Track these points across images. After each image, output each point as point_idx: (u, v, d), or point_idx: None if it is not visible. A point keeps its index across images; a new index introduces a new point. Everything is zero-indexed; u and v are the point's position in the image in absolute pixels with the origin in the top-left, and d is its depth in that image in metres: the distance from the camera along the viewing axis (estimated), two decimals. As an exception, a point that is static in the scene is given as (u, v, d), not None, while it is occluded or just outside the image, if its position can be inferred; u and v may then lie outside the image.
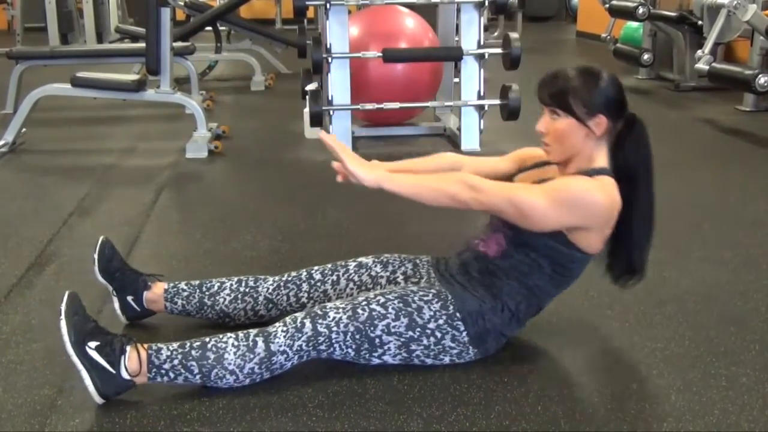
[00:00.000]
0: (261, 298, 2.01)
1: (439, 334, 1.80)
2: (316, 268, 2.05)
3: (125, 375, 1.68)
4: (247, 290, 2.01)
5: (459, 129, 4.12)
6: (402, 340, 1.79)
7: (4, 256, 2.60)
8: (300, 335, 1.74)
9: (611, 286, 2.32)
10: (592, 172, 1.76)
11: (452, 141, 4.24)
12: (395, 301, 1.79)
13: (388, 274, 2.01)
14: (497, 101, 4.01)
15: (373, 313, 1.77)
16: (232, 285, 2.02)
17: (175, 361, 1.70)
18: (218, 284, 2.03)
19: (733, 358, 1.90)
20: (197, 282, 2.05)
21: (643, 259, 1.86)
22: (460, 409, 1.69)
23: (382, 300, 1.79)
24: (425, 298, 1.81)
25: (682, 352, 1.93)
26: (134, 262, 2.48)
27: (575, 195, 1.71)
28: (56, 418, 1.67)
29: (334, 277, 2.01)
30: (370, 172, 1.76)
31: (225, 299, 2.01)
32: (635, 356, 1.91)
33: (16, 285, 2.36)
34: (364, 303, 1.79)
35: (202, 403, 1.71)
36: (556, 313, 2.14)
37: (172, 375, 1.70)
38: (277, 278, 2.03)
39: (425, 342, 1.80)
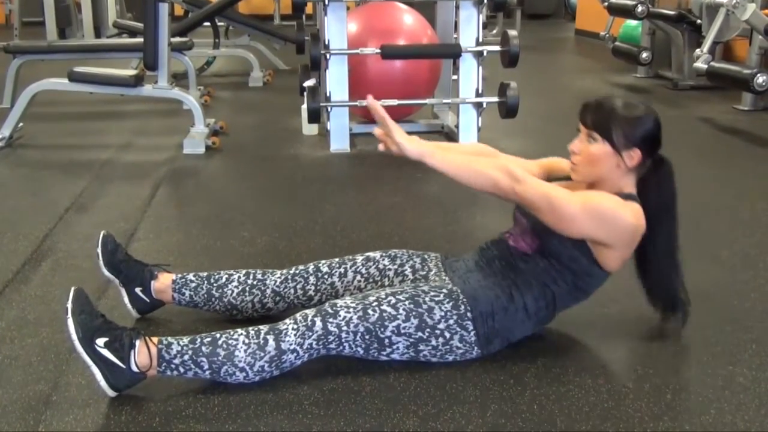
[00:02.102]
0: (269, 291, 2.01)
1: (448, 335, 1.80)
2: (323, 261, 2.06)
3: (135, 369, 1.68)
4: (255, 283, 2.02)
5: (457, 126, 4.11)
6: (411, 340, 1.80)
7: (0, 251, 2.59)
8: (311, 333, 1.74)
9: (606, 285, 2.32)
10: (622, 196, 1.81)
11: (450, 138, 4.24)
12: (406, 302, 1.79)
13: (396, 267, 2.02)
14: (495, 99, 4.01)
15: (384, 314, 1.77)
16: (240, 277, 2.03)
17: (185, 357, 1.70)
18: (226, 276, 2.04)
19: (729, 358, 1.90)
20: (205, 273, 2.06)
21: (675, 297, 1.96)
22: (456, 407, 1.69)
23: (393, 301, 1.79)
24: (436, 299, 1.81)
25: (678, 351, 1.93)
26: (130, 258, 2.48)
27: (608, 210, 1.77)
28: (51, 413, 1.67)
29: (342, 270, 2.02)
30: (415, 144, 1.76)
31: (233, 291, 2.01)
32: (631, 355, 1.91)
33: (11, 280, 2.36)
34: (375, 304, 1.78)
35: (197, 400, 1.70)
36: (552, 312, 2.14)
37: (182, 370, 1.70)
38: (284, 271, 2.04)
39: (434, 342, 1.81)
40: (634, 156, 1.82)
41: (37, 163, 3.83)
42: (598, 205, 1.77)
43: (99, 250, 2.04)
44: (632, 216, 1.79)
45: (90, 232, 2.74)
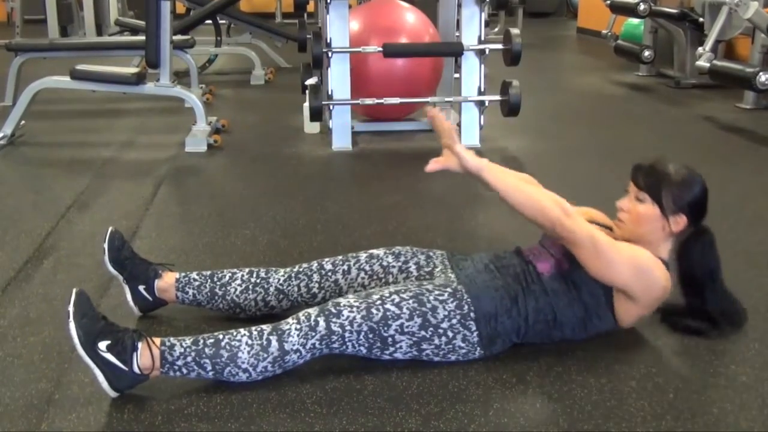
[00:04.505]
0: (272, 289, 2.01)
1: (450, 334, 1.80)
2: (327, 259, 2.06)
3: (137, 371, 1.68)
4: (258, 281, 2.02)
5: (459, 125, 4.11)
6: (414, 339, 1.79)
7: (2, 249, 2.59)
8: (314, 333, 1.73)
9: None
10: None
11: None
12: (410, 301, 1.79)
13: (400, 264, 2.02)
14: (498, 97, 4.01)
15: (388, 314, 1.77)
16: (243, 276, 2.03)
17: (188, 358, 1.69)
18: (229, 275, 2.04)
19: (732, 357, 1.90)
20: (208, 272, 2.06)
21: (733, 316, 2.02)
22: (459, 406, 1.68)
23: (397, 299, 1.79)
24: (440, 297, 1.81)
25: (681, 350, 1.93)
26: (133, 256, 2.48)
27: (647, 265, 1.82)
28: (53, 412, 1.67)
29: (345, 267, 2.02)
30: (475, 157, 1.79)
31: (236, 289, 2.01)
32: (634, 354, 1.90)
33: (14, 278, 2.36)
34: (379, 302, 1.78)
35: (200, 399, 1.70)
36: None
37: (185, 371, 1.70)
38: (288, 269, 2.05)
39: (437, 341, 1.80)
40: (680, 222, 1.87)
41: (39, 160, 3.83)
42: (639, 258, 1.82)
43: (106, 246, 2.03)
44: (664, 278, 1.84)
45: (92, 230, 2.74)
